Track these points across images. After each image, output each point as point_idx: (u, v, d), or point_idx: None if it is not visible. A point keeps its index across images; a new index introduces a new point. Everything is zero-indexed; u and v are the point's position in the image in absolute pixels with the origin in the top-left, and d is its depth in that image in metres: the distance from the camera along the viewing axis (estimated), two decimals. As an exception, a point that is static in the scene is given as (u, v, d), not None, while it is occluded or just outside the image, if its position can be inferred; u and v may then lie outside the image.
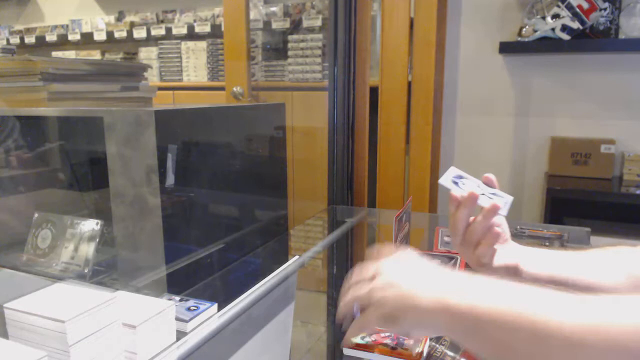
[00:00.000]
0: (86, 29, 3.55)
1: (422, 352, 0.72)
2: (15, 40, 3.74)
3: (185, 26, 3.17)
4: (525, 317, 0.45)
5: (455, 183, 0.70)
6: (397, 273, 0.57)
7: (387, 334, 0.75)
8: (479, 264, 0.70)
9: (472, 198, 0.68)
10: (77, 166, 1.22)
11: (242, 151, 1.19)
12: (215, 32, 3.10)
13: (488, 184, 0.72)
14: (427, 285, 0.54)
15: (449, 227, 0.72)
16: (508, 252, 0.71)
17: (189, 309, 0.73)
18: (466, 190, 0.68)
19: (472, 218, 0.70)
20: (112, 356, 0.59)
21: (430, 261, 0.59)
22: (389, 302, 0.54)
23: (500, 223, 0.71)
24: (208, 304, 0.75)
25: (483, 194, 0.68)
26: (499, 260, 0.69)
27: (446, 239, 1.17)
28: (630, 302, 0.43)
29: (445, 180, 0.71)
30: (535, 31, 2.10)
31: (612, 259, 0.70)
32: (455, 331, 0.51)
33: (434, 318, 0.51)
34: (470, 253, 0.70)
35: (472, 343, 0.50)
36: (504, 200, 0.69)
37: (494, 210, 0.67)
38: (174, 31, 3.20)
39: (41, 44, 3.67)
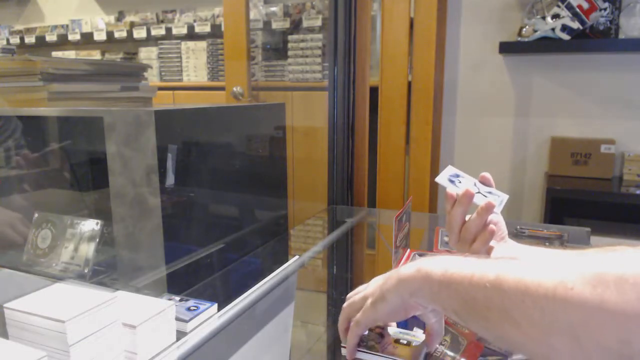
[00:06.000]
0: (86, 29, 3.55)
1: (422, 348, 0.72)
2: (15, 40, 3.74)
3: (185, 26, 3.17)
4: (488, 273, 0.48)
5: (452, 181, 0.71)
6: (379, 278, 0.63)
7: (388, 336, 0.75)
8: None
9: (468, 196, 0.69)
10: (77, 166, 1.22)
11: (242, 151, 1.19)
12: (215, 32, 3.10)
13: (484, 182, 0.73)
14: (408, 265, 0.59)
15: (446, 225, 0.73)
16: (505, 250, 0.72)
17: (189, 309, 0.73)
18: (462, 188, 0.68)
19: (468, 216, 0.71)
20: (112, 356, 0.59)
21: None
22: (375, 289, 0.61)
23: (498, 221, 0.72)
24: (208, 304, 0.75)
25: (479, 193, 0.69)
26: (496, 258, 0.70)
27: (446, 238, 1.16)
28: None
29: (442, 178, 0.72)
30: (535, 31, 2.11)
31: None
32: (429, 291, 0.54)
33: (412, 281, 0.56)
34: (466, 250, 0.71)
35: (442, 300, 0.53)
36: (500, 199, 0.69)
37: (489, 208, 0.68)
38: (174, 31, 3.20)
39: (41, 44, 3.67)
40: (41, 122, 1.22)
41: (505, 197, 0.71)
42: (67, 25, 3.63)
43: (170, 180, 0.93)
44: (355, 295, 0.67)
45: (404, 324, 0.75)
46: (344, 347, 0.71)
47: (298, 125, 2.58)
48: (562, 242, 1.20)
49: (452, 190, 0.70)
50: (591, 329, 0.38)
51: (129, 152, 0.91)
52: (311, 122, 2.59)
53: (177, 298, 0.77)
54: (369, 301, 0.62)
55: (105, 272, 0.97)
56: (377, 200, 2.41)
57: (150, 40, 3.31)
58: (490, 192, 0.71)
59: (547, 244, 1.19)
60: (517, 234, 1.23)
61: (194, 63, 3.16)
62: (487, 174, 0.74)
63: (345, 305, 0.67)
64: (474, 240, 0.70)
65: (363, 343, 0.71)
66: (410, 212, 1.09)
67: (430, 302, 0.55)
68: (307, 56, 2.71)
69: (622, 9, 2.07)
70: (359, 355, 0.71)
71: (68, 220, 0.98)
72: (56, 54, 3.70)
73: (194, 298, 0.77)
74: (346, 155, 1.67)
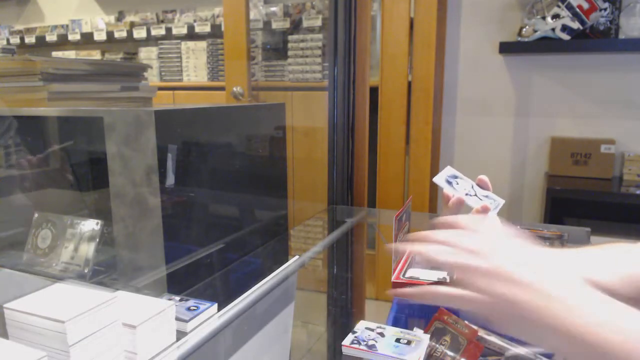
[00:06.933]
0: (86, 29, 3.55)
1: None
2: (15, 40, 3.74)
3: (185, 26, 3.17)
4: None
5: (449, 182, 0.72)
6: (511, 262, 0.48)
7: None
8: None
9: (458, 202, 0.69)
10: (77, 166, 1.22)
11: (242, 151, 1.19)
12: (215, 32, 3.10)
13: (482, 185, 0.73)
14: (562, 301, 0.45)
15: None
16: None
17: (189, 309, 0.73)
18: (459, 190, 0.69)
19: None
20: (112, 356, 0.59)
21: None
22: (507, 263, 0.48)
23: None
24: (208, 304, 0.75)
25: (475, 196, 0.69)
26: None
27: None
28: None
29: (439, 179, 0.72)
30: (535, 31, 2.11)
31: (610, 261, 0.70)
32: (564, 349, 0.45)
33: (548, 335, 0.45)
34: None
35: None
36: (495, 203, 0.70)
37: (484, 211, 0.68)
38: (174, 31, 3.20)
39: (41, 44, 3.67)
40: (41, 123, 1.22)
41: (501, 201, 0.71)
42: (67, 25, 3.63)
43: (170, 180, 0.93)
44: (464, 237, 0.52)
45: (404, 324, 0.75)
46: (345, 345, 0.71)
47: (298, 125, 2.58)
48: (562, 242, 1.20)
49: (449, 191, 0.70)
50: None
51: (129, 152, 0.91)
52: (311, 122, 2.59)
53: (177, 298, 0.77)
54: (484, 267, 0.48)
55: (105, 272, 0.97)
56: (377, 200, 2.41)
57: (150, 40, 3.31)
58: (486, 196, 0.71)
59: (547, 244, 1.19)
60: (517, 234, 1.22)
61: (194, 63, 3.16)
62: (484, 178, 0.74)
63: (447, 235, 0.53)
64: None
65: (363, 342, 0.71)
66: (410, 211, 1.09)
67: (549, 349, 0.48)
68: (307, 56, 2.71)
69: (622, 9, 2.07)
70: (360, 354, 0.71)
71: (68, 220, 0.98)
72: (56, 54, 3.70)
73: (194, 298, 0.77)
74: (346, 155, 1.67)
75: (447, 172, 0.73)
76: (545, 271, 0.48)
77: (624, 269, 0.63)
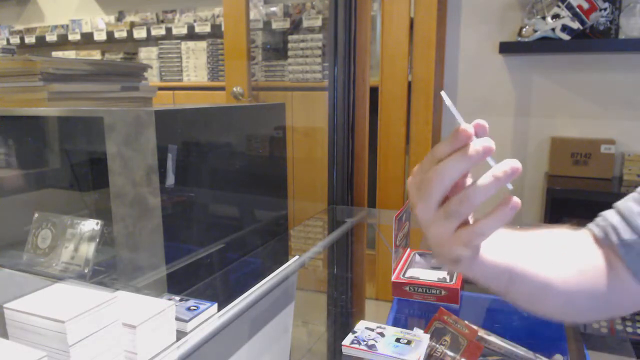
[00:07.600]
0: (86, 29, 3.56)
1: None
2: (15, 40, 3.74)
3: (185, 26, 3.17)
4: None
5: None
6: None
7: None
8: (466, 244, 0.48)
9: (486, 152, 0.46)
10: (77, 166, 1.22)
11: (242, 151, 1.19)
12: (215, 32, 3.10)
13: (479, 133, 0.50)
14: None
15: (426, 180, 0.47)
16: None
17: (189, 309, 0.73)
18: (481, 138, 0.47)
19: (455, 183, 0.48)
20: (112, 356, 0.59)
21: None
22: None
23: None
24: (208, 304, 0.75)
25: None
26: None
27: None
28: None
29: (453, 109, 0.49)
30: (535, 31, 2.11)
31: (566, 254, 0.67)
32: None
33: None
34: (449, 227, 0.47)
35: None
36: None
37: (514, 172, 0.45)
38: (174, 31, 3.20)
39: (41, 44, 3.68)
40: (41, 122, 1.22)
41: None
42: (67, 25, 3.64)
43: (170, 180, 0.93)
44: None
45: (404, 324, 0.75)
46: (345, 345, 0.71)
47: (298, 125, 2.58)
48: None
49: (468, 128, 0.46)
50: None
51: (129, 152, 0.91)
52: (311, 122, 2.59)
53: (177, 298, 0.77)
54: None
55: (105, 272, 0.98)
56: (377, 200, 2.41)
57: (150, 40, 3.31)
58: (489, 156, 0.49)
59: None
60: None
61: (194, 63, 3.16)
62: (484, 123, 0.49)
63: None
64: (466, 216, 0.47)
65: (363, 342, 0.71)
66: (410, 211, 1.09)
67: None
68: (307, 56, 2.71)
69: (622, 9, 2.07)
70: (360, 354, 0.71)
71: (68, 220, 0.98)
72: (56, 54, 3.70)
73: (194, 298, 0.77)
74: (346, 155, 1.67)
75: (451, 105, 0.49)
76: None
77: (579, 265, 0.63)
